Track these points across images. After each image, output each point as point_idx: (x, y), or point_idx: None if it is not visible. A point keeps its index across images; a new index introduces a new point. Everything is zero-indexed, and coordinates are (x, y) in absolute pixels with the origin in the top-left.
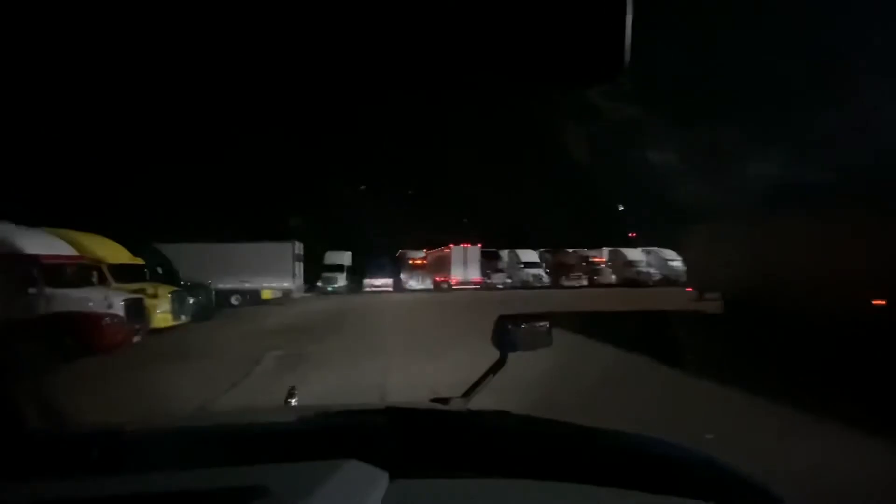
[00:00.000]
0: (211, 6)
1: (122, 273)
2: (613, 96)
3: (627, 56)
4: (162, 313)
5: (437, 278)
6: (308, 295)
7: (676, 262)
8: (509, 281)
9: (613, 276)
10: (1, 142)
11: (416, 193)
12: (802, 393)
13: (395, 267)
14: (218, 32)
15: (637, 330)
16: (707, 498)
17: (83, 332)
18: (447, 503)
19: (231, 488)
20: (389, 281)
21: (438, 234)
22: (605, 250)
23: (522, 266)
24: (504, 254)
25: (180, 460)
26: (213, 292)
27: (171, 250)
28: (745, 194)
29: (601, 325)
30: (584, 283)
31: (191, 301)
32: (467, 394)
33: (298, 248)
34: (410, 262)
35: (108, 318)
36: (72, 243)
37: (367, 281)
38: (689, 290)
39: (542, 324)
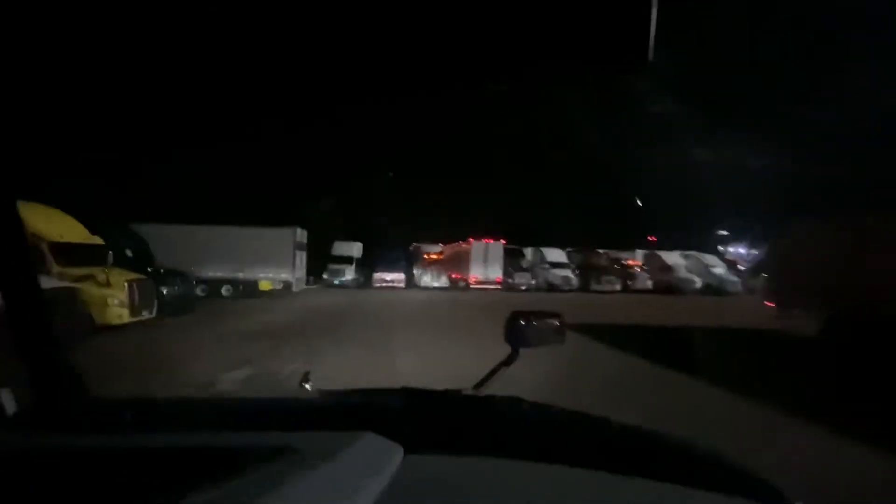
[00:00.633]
0: None
1: (71, 254)
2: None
3: (652, 47)
4: (116, 307)
5: (454, 275)
6: (312, 287)
7: (719, 269)
8: (533, 282)
9: (650, 282)
10: None
11: (434, 183)
12: None
13: (408, 261)
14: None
15: (739, 360)
16: (712, 489)
17: None
18: (459, 480)
19: (262, 446)
20: (401, 276)
21: (455, 228)
22: (640, 253)
23: (548, 266)
24: (528, 252)
25: (210, 425)
26: (195, 282)
27: (150, 232)
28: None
29: (679, 346)
30: (618, 287)
31: (164, 291)
32: (478, 386)
33: (301, 235)
34: (425, 256)
35: None
36: None
37: (377, 275)
38: (769, 304)
39: (553, 320)
